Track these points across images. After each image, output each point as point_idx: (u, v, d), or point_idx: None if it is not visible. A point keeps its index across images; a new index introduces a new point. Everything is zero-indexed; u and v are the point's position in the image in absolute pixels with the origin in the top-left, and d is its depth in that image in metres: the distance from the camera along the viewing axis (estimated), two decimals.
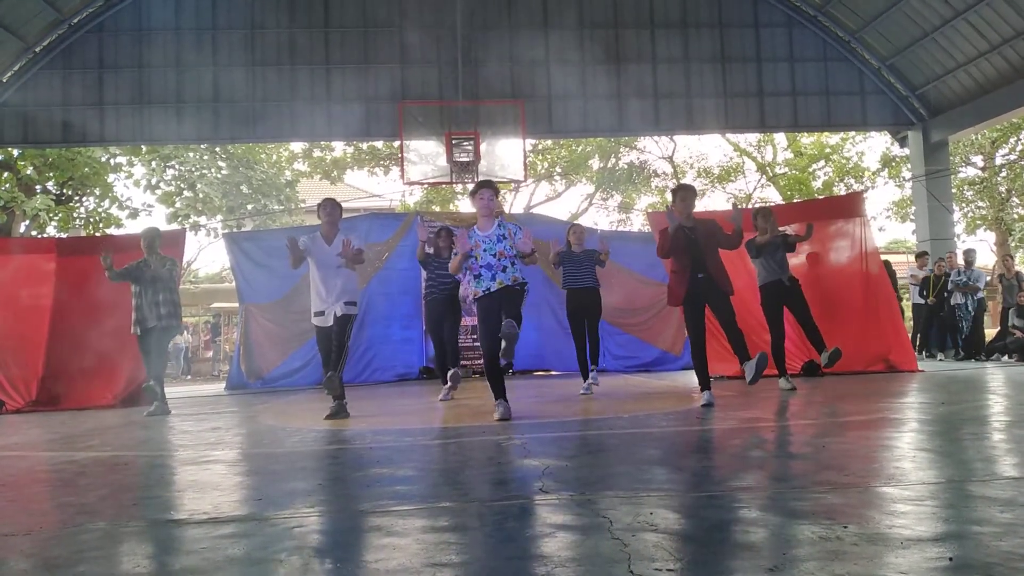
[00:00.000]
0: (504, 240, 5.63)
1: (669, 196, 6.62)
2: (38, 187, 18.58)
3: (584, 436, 4.67)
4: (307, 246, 6.19)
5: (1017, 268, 12.74)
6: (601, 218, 27.32)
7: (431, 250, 7.81)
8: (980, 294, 11.77)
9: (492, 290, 5.61)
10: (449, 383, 7.66)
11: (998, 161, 24.17)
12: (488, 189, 5.72)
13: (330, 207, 6.39)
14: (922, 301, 12.72)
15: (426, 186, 21.11)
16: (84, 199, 19.98)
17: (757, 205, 6.86)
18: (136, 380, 8.95)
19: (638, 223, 26.44)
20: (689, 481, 3.11)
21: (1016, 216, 24.30)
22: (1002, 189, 24.07)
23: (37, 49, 13.79)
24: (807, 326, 7.62)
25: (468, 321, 10.89)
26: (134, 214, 20.15)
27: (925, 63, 14.50)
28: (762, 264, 7.65)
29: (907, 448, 3.75)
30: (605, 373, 8.12)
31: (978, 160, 24.59)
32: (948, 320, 12.16)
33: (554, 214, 25.07)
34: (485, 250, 5.62)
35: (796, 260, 9.38)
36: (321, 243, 6.25)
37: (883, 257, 10.53)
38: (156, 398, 7.40)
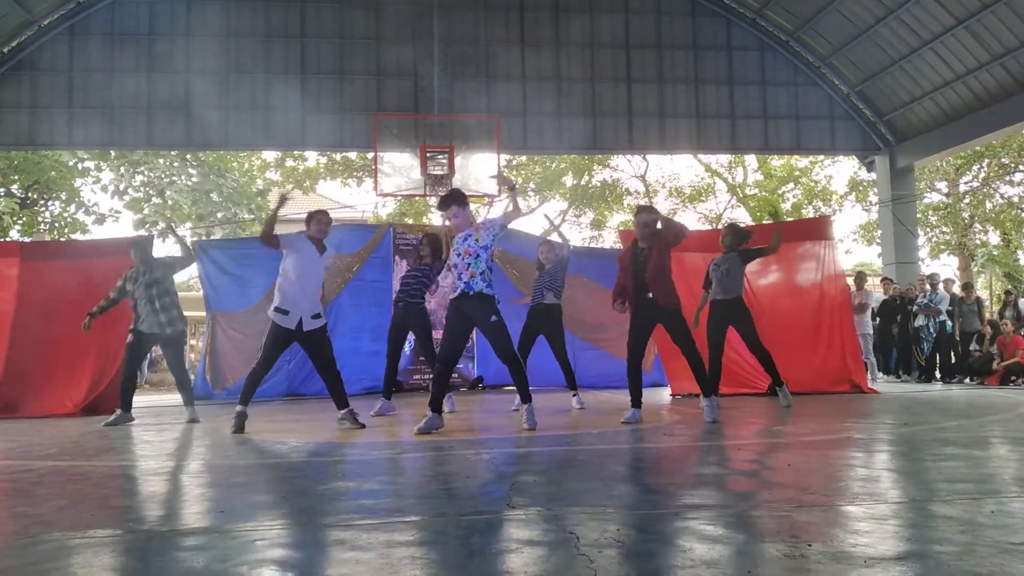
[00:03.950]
0: (470, 238, 5.58)
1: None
2: (2, 190, 18.23)
3: (552, 452, 4.66)
4: (293, 242, 6.07)
5: (976, 293, 13.05)
6: (574, 234, 27.46)
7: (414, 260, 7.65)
8: (942, 316, 11.99)
9: (455, 297, 5.59)
10: (379, 409, 7.28)
11: (961, 188, 24.73)
12: (455, 206, 5.61)
13: (326, 220, 6.23)
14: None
15: (399, 198, 21.08)
16: (50, 203, 19.64)
17: (727, 222, 6.80)
18: (98, 388, 8.77)
19: (610, 240, 26.62)
20: (655, 498, 3.12)
21: (979, 242, 24.85)
22: (965, 215, 24.60)
23: (5, 50, 13.57)
24: (757, 354, 7.26)
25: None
26: (101, 220, 19.84)
27: (893, 90, 14.83)
28: (716, 279, 7.27)
29: (871, 468, 3.79)
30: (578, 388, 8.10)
31: (942, 186, 25.14)
32: (912, 342, 12.37)
33: (527, 230, 25.12)
34: (455, 252, 5.65)
35: (765, 280, 9.48)
36: (311, 248, 6.11)
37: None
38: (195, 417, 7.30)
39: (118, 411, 7.21)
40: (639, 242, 6.25)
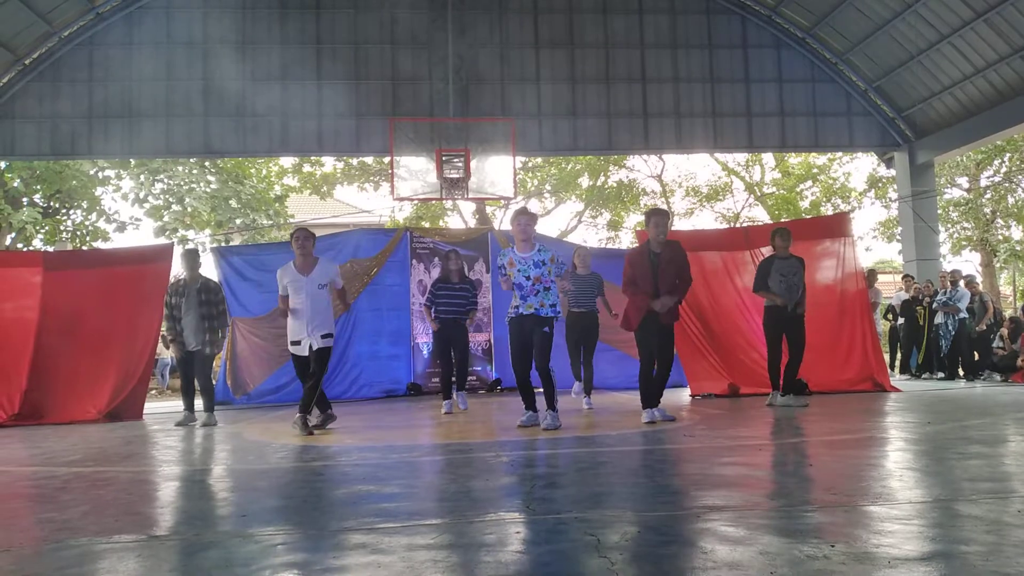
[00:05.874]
0: (542, 267, 5.89)
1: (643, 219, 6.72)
2: (25, 199, 18.46)
3: (572, 453, 4.66)
4: (281, 283, 6.24)
5: (979, 288, 12.88)
6: (590, 235, 27.42)
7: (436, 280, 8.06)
8: (962, 314, 11.84)
9: (522, 313, 5.91)
10: (447, 408, 7.72)
11: (983, 183, 24.42)
12: (524, 216, 6.07)
13: (302, 239, 6.26)
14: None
15: (416, 202, 21.12)
16: (71, 212, 19.86)
17: (777, 223, 6.90)
18: (121, 395, 8.89)
19: (627, 240, 26.55)
20: (676, 499, 3.10)
21: (1001, 237, 24.53)
22: (987, 211, 24.28)
23: (27, 61, 13.75)
24: (792, 361, 7.42)
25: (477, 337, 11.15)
26: (121, 227, 20.03)
27: (911, 85, 14.67)
28: (774, 284, 7.43)
29: (894, 467, 3.75)
30: (594, 390, 8.20)
31: (963, 181, 24.83)
32: (932, 340, 12.23)
33: (544, 232, 25.13)
34: (519, 271, 5.88)
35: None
36: (294, 272, 6.21)
37: None
38: (210, 421, 7.53)
39: (206, 414, 7.63)
40: (653, 245, 6.23)
